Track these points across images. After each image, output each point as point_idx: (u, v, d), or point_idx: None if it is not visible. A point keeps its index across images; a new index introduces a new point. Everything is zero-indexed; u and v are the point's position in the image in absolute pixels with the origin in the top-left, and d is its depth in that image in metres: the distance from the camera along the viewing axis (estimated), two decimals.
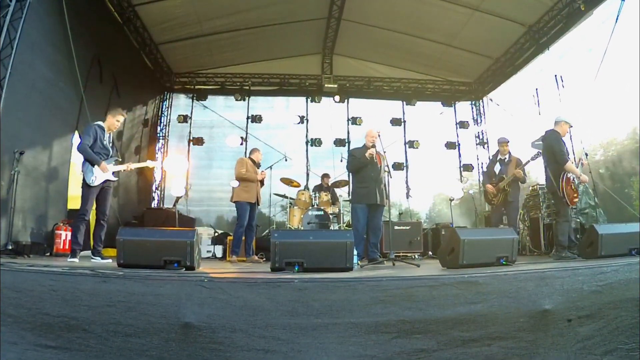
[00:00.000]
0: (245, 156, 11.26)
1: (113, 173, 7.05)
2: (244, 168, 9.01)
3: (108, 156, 7.06)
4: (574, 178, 7.50)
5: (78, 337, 3.41)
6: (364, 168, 7.57)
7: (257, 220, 9.50)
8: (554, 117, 7.93)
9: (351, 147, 14.22)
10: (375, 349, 3.47)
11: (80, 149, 6.93)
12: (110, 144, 7.18)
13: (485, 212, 13.96)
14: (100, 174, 6.87)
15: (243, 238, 9.21)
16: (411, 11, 12.52)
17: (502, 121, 15.04)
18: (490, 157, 9.35)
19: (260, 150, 9.84)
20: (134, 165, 7.65)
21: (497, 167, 8.97)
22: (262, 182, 9.35)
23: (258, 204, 9.19)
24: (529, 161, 8.67)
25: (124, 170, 7.40)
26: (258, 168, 9.35)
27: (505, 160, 9.02)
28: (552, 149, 7.46)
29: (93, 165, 6.84)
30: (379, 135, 7.58)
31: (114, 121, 7.17)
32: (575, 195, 7.45)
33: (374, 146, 7.57)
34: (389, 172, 7.48)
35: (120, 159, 7.25)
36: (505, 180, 8.73)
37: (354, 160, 7.77)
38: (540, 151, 8.18)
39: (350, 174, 8.07)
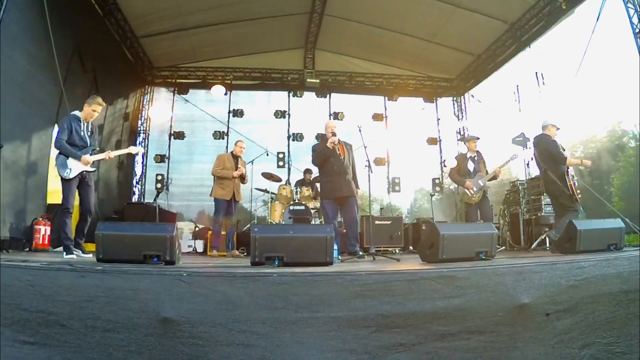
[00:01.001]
0: (227, 150, 11.19)
1: (91, 163, 6.84)
2: (220, 166, 8.99)
3: (85, 147, 6.82)
4: (572, 174, 7.69)
5: (56, 333, 3.37)
6: (327, 162, 7.54)
7: (238, 215, 9.46)
8: (541, 121, 8.15)
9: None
10: (355, 343, 3.48)
11: (56, 146, 6.73)
12: (89, 134, 6.93)
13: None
14: (76, 165, 6.66)
15: (223, 233, 9.20)
16: (394, 7, 12.55)
17: (483, 117, 15.15)
18: (457, 155, 9.36)
19: (242, 142, 9.77)
20: (114, 153, 7.31)
21: (470, 165, 8.96)
22: (243, 178, 9.27)
23: (236, 200, 9.12)
24: (508, 161, 8.88)
25: (104, 158, 7.16)
26: (239, 160, 9.28)
27: (475, 157, 9.05)
28: (549, 151, 7.67)
29: (68, 157, 6.65)
30: (359, 130, 7.58)
31: (90, 110, 6.90)
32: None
33: (334, 135, 7.53)
34: (369, 165, 7.49)
35: (98, 149, 7.05)
36: (487, 176, 8.78)
37: (315, 153, 7.77)
38: (516, 154, 8.73)
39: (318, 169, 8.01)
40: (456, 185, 9.26)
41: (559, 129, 8.06)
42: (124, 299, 3.46)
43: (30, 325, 3.39)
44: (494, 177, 8.92)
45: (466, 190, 8.79)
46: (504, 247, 9.11)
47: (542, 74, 12.10)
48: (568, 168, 7.63)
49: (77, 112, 6.94)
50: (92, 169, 6.91)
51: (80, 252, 6.68)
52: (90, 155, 6.81)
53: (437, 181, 16.06)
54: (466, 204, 9.07)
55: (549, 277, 3.97)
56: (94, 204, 7.17)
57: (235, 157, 9.20)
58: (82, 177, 6.80)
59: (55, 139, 6.86)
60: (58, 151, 6.73)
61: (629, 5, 9.04)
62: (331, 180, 7.50)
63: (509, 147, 11.18)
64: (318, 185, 12.01)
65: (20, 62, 8.24)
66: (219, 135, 15.17)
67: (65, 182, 6.68)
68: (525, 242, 10.13)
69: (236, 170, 9.01)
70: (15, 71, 8.10)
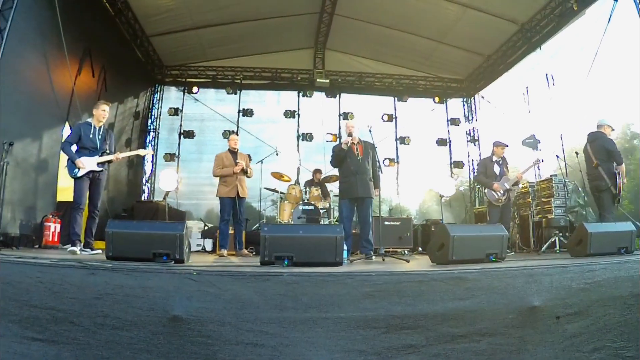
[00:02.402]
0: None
1: (98, 164, 7.08)
2: (219, 165, 8.74)
3: (95, 149, 7.10)
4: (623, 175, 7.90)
5: (65, 330, 3.38)
6: (344, 162, 7.53)
7: (245, 214, 9.35)
8: (597, 120, 8.39)
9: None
10: (364, 344, 3.47)
11: (61, 147, 7.20)
12: (100, 137, 7.19)
13: (475, 209, 14.03)
14: (85, 166, 6.96)
15: (231, 232, 9.16)
16: (404, 7, 12.52)
17: (493, 119, 15.10)
18: (482, 159, 9.43)
19: (236, 134, 9.54)
20: (123, 155, 7.59)
21: (497, 169, 9.10)
22: (245, 172, 8.94)
23: (240, 196, 8.85)
24: (531, 167, 9.25)
25: (114, 160, 7.35)
26: (237, 155, 8.98)
27: (501, 162, 9.18)
28: (607, 149, 8.00)
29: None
30: (370, 131, 7.56)
31: (100, 112, 7.23)
32: None
33: (350, 135, 7.53)
34: (379, 166, 7.47)
35: (108, 151, 7.22)
36: (512, 180, 8.93)
37: (332, 155, 7.77)
38: (540, 159, 9.18)
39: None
40: (465, 187, 9.30)
41: (613, 129, 8.29)
42: (134, 296, 3.47)
43: (39, 322, 3.40)
44: (516, 183, 9.11)
45: (493, 192, 8.87)
46: (513, 252, 9.06)
47: (552, 76, 12.04)
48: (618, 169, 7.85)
49: (89, 119, 7.33)
50: (99, 169, 7.13)
51: (89, 250, 6.84)
52: (100, 156, 7.09)
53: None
54: (490, 205, 9.16)
55: (560, 279, 3.95)
56: (104, 202, 7.28)
57: (234, 152, 9.00)
58: (92, 176, 7.08)
59: (63, 141, 7.23)
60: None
61: None
62: (347, 180, 7.50)
63: (531, 153, 11.22)
64: (327, 185, 12.08)
65: (31, 60, 8.29)
66: (228, 134, 15.15)
67: (75, 180, 7.01)
68: (535, 245, 10.06)
69: (236, 165, 8.83)
70: (26, 69, 8.14)
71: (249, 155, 9.31)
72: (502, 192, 8.81)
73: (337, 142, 9.87)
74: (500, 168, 9.08)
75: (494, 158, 9.20)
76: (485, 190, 9.17)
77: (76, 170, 6.93)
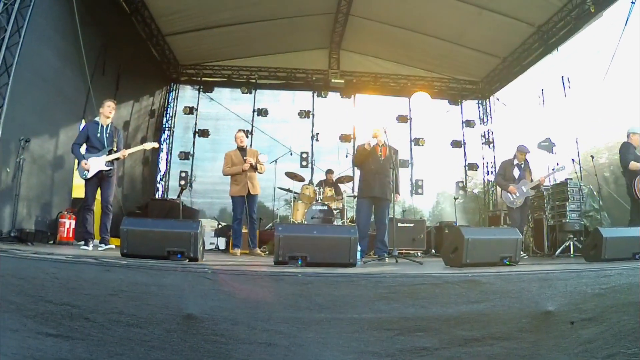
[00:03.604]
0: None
1: (106, 163, 7.15)
2: (228, 164, 8.73)
3: (103, 148, 7.20)
4: None
5: (79, 326, 3.41)
6: (366, 162, 7.54)
7: (257, 212, 9.28)
8: (627, 129, 8.39)
9: (356, 143, 14.40)
10: (377, 345, 3.47)
11: (71, 148, 7.27)
12: (107, 136, 7.29)
13: (490, 211, 13.97)
14: (92, 166, 7.07)
15: (244, 231, 9.16)
16: (419, 8, 12.51)
17: (508, 121, 15.02)
18: (503, 161, 9.45)
19: (241, 131, 9.49)
20: (129, 151, 7.64)
21: (516, 172, 9.12)
22: (255, 168, 8.85)
23: (251, 194, 8.75)
24: (554, 171, 9.38)
25: (121, 157, 7.43)
26: (246, 151, 8.95)
27: (522, 165, 9.19)
28: (621, 157, 8.10)
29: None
30: (385, 131, 7.56)
31: (105, 109, 7.35)
32: None
33: (375, 137, 7.54)
34: (393, 168, 7.47)
35: (115, 149, 7.29)
36: (532, 184, 8.98)
37: (356, 152, 7.84)
38: (564, 165, 9.40)
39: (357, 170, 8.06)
40: (479, 190, 9.32)
41: None
42: (148, 294, 3.49)
43: (54, 318, 3.43)
44: (538, 186, 9.27)
45: (509, 194, 8.92)
46: (526, 255, 9.03)
47: (568, 78, 11.95)
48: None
49: (97, 118, 7.49)
50: (107, 168, 7.20)
51: (103, 245, 7.02)
52: (107, 155, 7.19)
53: (460, 184, 15.96)
54: (508, 208, 9.21)
55: (575, 284, 3.92)
56: (118, 200, 7.36)
57: (242, 150, 8.95)
58: (101, 175, 7.18)
59: (73, 143, 7.29)
60: None
61: None
62: (366, 179, 7.53)
63: (547, 156, 11.18)
64: (341, 186, 12.08)
65: (49, 57, 8.36)
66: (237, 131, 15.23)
67: (86, 181, 7.16)
68: (549, 249, 10.00)
69: (245, 163, 8.69)
70: (44, 67, 8.23)
71: (257, 151, 9.21)
72: (517, 194, 8.81)
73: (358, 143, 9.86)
74: (520, 172, 9.09)
75: (515, 161, 9.20)
76: (502, 193, 9.17)
77: (85, 172, 7.04)
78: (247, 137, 9.19)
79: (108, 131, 7.32)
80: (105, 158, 7.15)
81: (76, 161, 8.26)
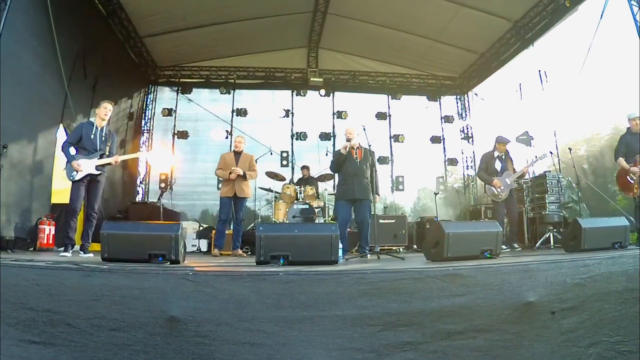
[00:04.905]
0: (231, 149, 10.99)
1: (97, 167, 6.92)
2: (219, 166, 8.81)
3: (95, 151, 6.97)
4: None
5: (62, 332, 3.38)
6: (343, 165, 7.61)
7: (243, 212, 9.29)
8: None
9: (336, 141, 14.47)
10: (361, 341, 3.48)
11: (61, 146, 7.03)
12: (102, 139, 7.07)
13: (470, 205, 14.07)
14: (83, 168, 6.81)
15: (229, 232, 9.15)
16: (398, 6, 12.54)
17: (487, 116, 15.15)
18: (484, 154, 9.44)
19: (240, 136, 9.57)
20: (122, 158, 7.52)
21: (498, 164, 9.10)
22: (244, 177, 8.86)
23: (238, 196, 8.80)
24: (536, 160, 9.25)
25: (113, 163, 7.21)
26: (241, 155, 9.00)
27: (503, 157, 9.18)
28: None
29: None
30: (364, 129, 7.59)
31: (101, 110, 7.09)
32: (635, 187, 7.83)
33: (348, 140, 7.61)
34: (373, 166, 7.51)
35: (107, 153, 7.09)
36: (515, 175, 8.98)
37: (332, 161, 7.93)
38: (546, 154, 9.23)
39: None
40: (460, 184, 9.35)
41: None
42: (130, 298, 3.47)
43: (36, 325, 3.40)
44: (522, 176, 9.27)
45: (493, 188, 8.91)
46: (509, 248, 9.11)
47: (545, 72, 12.10)
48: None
49: (92, 119, 7.28)
50: (97, 172, 6.98)
51: (82, 252, 6.77)
52: (99, 159, 6.95)
53: (441, 180, 16.06)
54: (493, 201, 9.23)
55: (555, 275, 3.97)
56: (99, 204, 7.19)
57: (237, 153, 9.00)
58: (90, 179, 6.94)
59: (64, 141, 7.05)
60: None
61: (633, 2, 9.00)
62: (345, 182, 7.58)
63: (525, 149, 11.29)
64: (321, 184, 12.09)
65: (25, 61, 8.25)
66: (227, 134, 15.19)
67: (73, 183, 6.86)
68: (529, 241, 10.11)
69: (237, 166, 8.77)
70: (21, 70, 8.11)
71: (252, 156, 9.22)
72: (502, 187, 8.84)
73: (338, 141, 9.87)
74: (502, 164, 9.09)
75: (496, 153, 9.20)
76: (486, 187, 9.22)
77: (74, 173, 6.78)
78: (244, 143, 9.19)
79: (103, 134, 7.11)
80: (96, 162, 6.92)
81: (56, 164, 8.14)
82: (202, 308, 3.45)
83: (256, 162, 9.24)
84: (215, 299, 3.50)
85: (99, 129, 7.09)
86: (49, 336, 3.37)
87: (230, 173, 8.70)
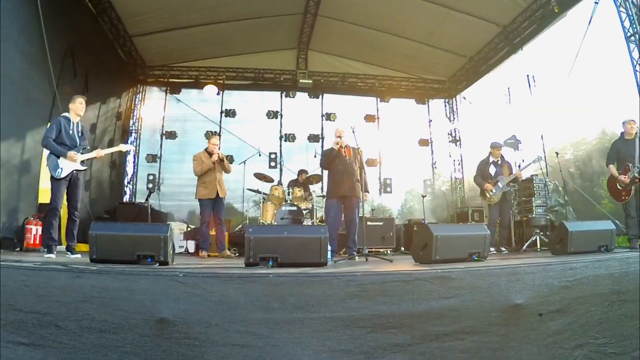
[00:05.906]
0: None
1: (82, 162, 6.82)
2: (199, 165, 8.74)
3: (75, 146, 6.79)
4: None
5: (51, 334, 3.36)
6: (333, 163, 7.65)
7: (225, 212, 9.23)
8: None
9: (324, 142, 14.51)
10: (351, 343, 3.50)
11: (43, 143, 6.75)
12: (79, 134, 6.92)
13: (458, 208, 14.14)
14: (67, 165, 6.66)
15: (212, 233, 9.11)
16: (388, 9, 12.59)
17: (475, 119, 15.24)
18: (480, 161, 9.54)
19: (215, 136, 9.51)
20: (104, 152, 7.38)
21: (492, 169, 9.25)
22: (223, 167, 8.87)
23: (220, 196, 8.74)
24: (529, 164, 9.37)
25: (95, 157, 7.15)
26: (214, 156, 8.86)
27: (499, 162, 9.32)
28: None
29: (58, 157, 6.64)
30: (352, 131, 7.62)
31: (77, 106, 6.93)
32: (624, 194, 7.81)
33: (339, 137, 7.67)
34: (362, 167, 7.56)
35: (89, 148, 7.02)
36: (508, 179, 9.07)
37: (323, 156, 7.99)
38: (540, 157, 9.45)
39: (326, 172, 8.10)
40: (447, 187, 9.42)
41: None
42: (120, 299, 3.46)
43: (24, 326, 3.37)
44: (515, 180, 9.32)
45: (485, 191, 9.09)
46: (506, 250, 9.16)
47: (533, 77, 12.19)
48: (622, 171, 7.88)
49: (66, 113, 6.95)
50: (83, 168, 6.90)
51: (69, 253, 6.64)
52: (81, 154, 6.82)
53: (428, 182, 16.13)
54: (488, 205, 9.45)
55: (542, 277, 4.01)
56: (85, 204, 7.10)
57: (210, 154, 8.93)
58: (72, 177, 6.77)
59: (43, 137, 6.80)
60: (48, 151, 6.71)
61: (621, 9, 9.12)
62: (335, 180, 7.61)
63: (513, 153, 11.35)
64: (310, 187, 12.09)
65: (14, 60, 8.19)
66: (210, 135, 15.11)
67: (55, 181, 6.66)
68: (517, 244, 10.17)
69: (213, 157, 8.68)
70: (10, 69, 8.03)
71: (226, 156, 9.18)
72: (493, 191, 8.98)
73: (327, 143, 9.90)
74: (496, 169, 9.22)
75: (491, 159, 9.35)
76: (480, 190, 9.39)
77: (59, 169, 6.58)
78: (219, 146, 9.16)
79: (79, 128, 6.96)
80: (81, 156, 6.79)
81: (43, 163, 8.04)
82: (192, 310, 3.45)
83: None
84: (205, 300, 3.50)
85: (75, 123, 6.93)
86: (38, 338, 3.35)
87: (213, 157, 8.65)
